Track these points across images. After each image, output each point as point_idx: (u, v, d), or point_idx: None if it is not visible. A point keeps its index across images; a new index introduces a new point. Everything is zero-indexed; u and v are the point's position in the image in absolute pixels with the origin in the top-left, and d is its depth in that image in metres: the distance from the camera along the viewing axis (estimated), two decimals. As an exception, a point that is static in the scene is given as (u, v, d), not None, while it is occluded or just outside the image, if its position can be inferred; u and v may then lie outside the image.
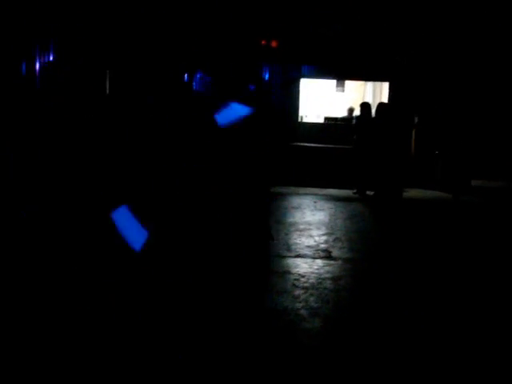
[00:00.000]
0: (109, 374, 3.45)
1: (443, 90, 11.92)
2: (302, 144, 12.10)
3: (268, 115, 9.04)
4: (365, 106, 11.17)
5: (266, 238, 4.76)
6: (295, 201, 10.13)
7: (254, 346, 3.92)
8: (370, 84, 14.41)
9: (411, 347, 4.04)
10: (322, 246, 6.86)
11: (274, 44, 11.15)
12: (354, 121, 12.03)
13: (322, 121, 13.02)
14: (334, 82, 13.97)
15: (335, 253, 6.56)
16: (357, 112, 12.11)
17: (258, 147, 3.74)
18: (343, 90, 14.25)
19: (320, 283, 5.41)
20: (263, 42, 11.07)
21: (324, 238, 7.30)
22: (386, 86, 13.05)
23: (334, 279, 5.57)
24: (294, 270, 5.77)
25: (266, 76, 11.67)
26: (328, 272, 5.79)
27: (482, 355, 3.94)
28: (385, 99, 12.69)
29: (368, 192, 10.99)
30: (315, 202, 9.98)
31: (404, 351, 3.97)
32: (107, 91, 9.33)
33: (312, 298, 4.96)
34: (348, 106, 13.25)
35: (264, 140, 3.93)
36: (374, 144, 10.68)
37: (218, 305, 4.68)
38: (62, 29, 7.39)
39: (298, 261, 6.14)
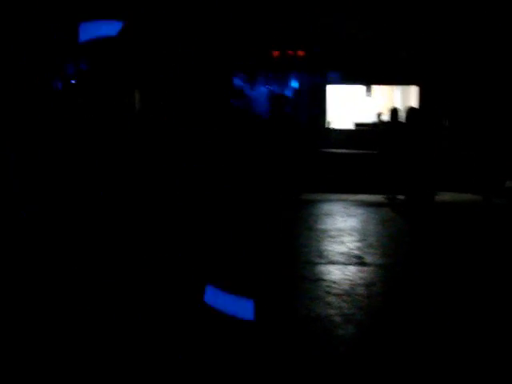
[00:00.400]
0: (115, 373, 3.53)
1: (473, 91, 11.82)
2: (332, 150, 12.13)
3: (286, 123, 9.11)
4: (392, 111, 11.16)
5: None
6: (326, 207, 10.15)
7: (288, 352, 3.97)
8: (398, 88, 14.35)
9: (448, 355, 4.04)
10: (354, 252, 6.88)
11: (300, 53, 11.21)
12: (381, 126, 12.00)
13: (351, 127, 13.03)
14: (363, 87, 13.96)
15: (367, 259, 6.57)
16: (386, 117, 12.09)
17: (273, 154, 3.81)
18: (370, 95, 14.22)
19: (353, 289, 5.44)
20: (290, 52, 11.16)
21: (356, 244, 7.31)
22: (414, 89, 13.00)
23: (367, 285, 5.59)
24: (327, 277, 5.81)
25: (297, 85, 11.74)
26: (361, 278, 5.81)
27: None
28: (414, 103, 12.64)
29: (399, 197, 10.95)
30: (346, 208, 9.99)
31: (440, 359, 3.98)
32: (136, 107, 9.55)
33: (345, 305, 4.99)
34: (377, 112, 13.22)
35: (282, 146, 3.97)
36: (403, 148, 10.65)
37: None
38: (93, 49, 7.59)
39: (331, 267, 6.17)
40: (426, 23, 11.49)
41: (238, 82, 12.18)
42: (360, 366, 3.84)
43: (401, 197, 10.91)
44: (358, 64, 12.01)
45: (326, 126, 12.77)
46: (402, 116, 11.21)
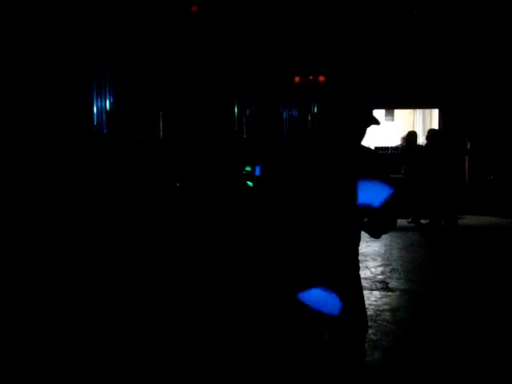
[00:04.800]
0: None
1: (494, 113, 11.75)
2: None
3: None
4: (410, 135, 11.15)
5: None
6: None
7: (315, 378, 3.91)
8: (419, 111, 14.35)
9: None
10: (379, 277, 6.82)
11: (321, 78, 11.26)
12: (399, 151, 11.94)
13: (372, 151, 13.00)
14: (383, 111, 13.98)
15: (392, 284, 6.51)
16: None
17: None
18: (393, 119, 14.22)
19: (379, 315, 5.38)
20: (311, 78, 11.20)
21: (380, 269, 7.25)
22: (435, 112, 12.98)
23: (393, 311, 5.53)
24: (352, 303, 5.74)
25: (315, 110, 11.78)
26: (386, 304, 5.75)
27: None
28: (435, 126, 12.60)
29: (423, 220, 10.86)
30: (369, 233, 9.92)
31: None
32: (161, 132, 9.62)
33: (371, 331, 4.93)
34: (401, 135, 13.18)
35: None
36: (424, 172, 10.60)
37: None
38: (116, 73, 7.67)
39: (355, 293, 6.11)
40: (446, 46, 11.49)
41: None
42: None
43: (424, 220, 10.82)
44: (379, 88, 12.01)
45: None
46: (420, 139, 11.18)
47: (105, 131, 7.51)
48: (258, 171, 3.20)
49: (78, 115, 7.11)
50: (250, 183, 7.42)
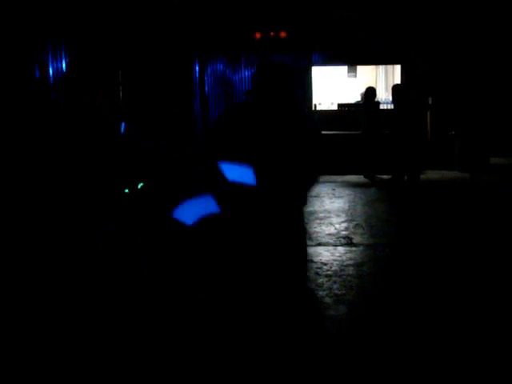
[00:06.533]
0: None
1: (457, 69, 11.79)
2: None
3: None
4: (369, 91, 11.12)
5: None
6: (313, 189, 10.12)
7: (279, 335, 3.95)
8: (381, 67, 14.32)
9: (435, 335, 4.05)
10: (343, 233, 6.87)
11: (282, 34, 11.10)
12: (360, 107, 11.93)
13: (335, 108, 12.98)
14: (346, 67, 13.91)
15: (356, 239, 6.57)
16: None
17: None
18: (355, 76, 14.18)
19: (343, 270, 5.44)
20: (272, 33, 11.03)
21: (344, 224, 7.31)
22: (398, 68, 12.96)
23: (357, 266, 5.59)
24: (317, 259, 5.80)
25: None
26: (350, 259, 5.81)
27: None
28: (397, 82, 12.60)
29: (386, 176, 10.96)
30: (333, 190, 9.99)
31: (429, 339, 3.99)
32: (120, 91, 9.38)
33: (336, 286, 4.99)
34: (360, 92, 13.19)
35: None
36: (381, 128, 10.67)
37: (242, 295, 4.72)
38: (72, 31, 7.40)
39: (320, 249, 6.17)
40: (408, 1, 11.42)
41: (219, 66, 12.05)
42: (352, 347, 3.84)
43: (387, 176, 10.92)
44: (342, 44, 11.91)
45: (313, 109, 12.66)
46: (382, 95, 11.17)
47: (62, 96, 7.24)
48: None
49: (32, 78, 6.83)
50: (126, 190, 7.63)
